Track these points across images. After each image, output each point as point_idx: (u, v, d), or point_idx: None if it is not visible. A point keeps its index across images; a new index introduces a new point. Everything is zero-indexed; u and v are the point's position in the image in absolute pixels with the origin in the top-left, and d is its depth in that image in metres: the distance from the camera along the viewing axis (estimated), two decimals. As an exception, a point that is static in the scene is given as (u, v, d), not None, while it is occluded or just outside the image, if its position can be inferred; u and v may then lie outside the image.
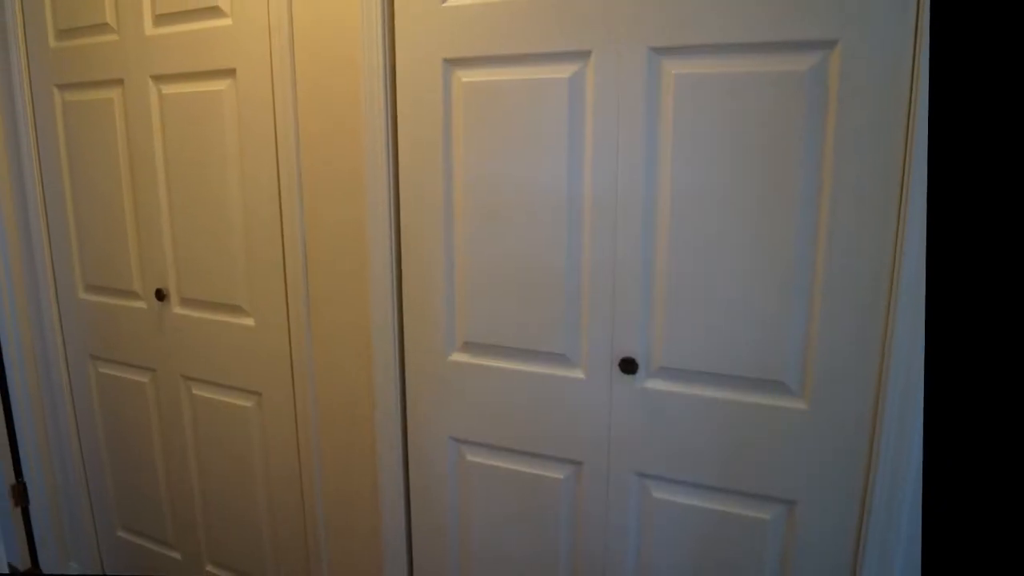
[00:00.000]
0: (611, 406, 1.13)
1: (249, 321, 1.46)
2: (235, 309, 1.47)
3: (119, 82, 1.49)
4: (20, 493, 1.79)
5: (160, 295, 1.55)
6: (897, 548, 0.96)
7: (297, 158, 1.30)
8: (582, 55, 1.04)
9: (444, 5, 1.11)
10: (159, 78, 1.44)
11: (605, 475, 1.16)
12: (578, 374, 1.15)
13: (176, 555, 1.76)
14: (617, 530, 1.17)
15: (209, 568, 1.70)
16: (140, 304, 1.61)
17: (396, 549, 1.38)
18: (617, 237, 1.07)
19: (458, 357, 1.24)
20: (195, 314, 1.54)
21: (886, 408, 0.93)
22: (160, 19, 1.40)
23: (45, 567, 1.85)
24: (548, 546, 1.24)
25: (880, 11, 0.86)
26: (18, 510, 1.80)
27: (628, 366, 1.09)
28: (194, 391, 1.59)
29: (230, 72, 1.34)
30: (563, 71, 1.06)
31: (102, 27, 1.48)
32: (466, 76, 1.13)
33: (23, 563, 1.84)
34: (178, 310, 1.56)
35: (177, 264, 1.53)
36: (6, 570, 1.45)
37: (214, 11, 1.32)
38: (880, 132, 0.89)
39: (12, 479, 1.78)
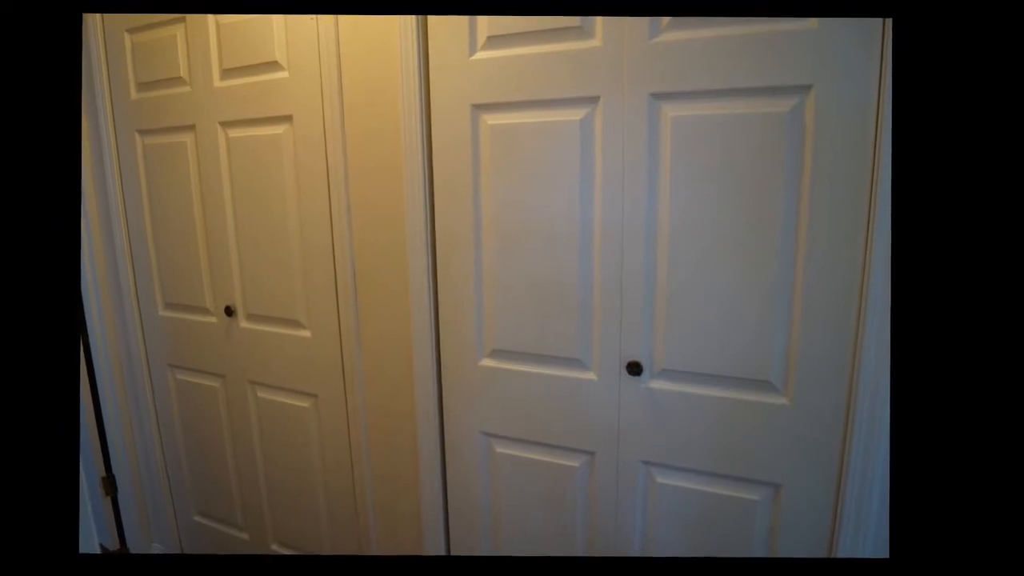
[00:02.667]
0: (620, 404, 1.21)
1: (306, 333, 1.55)
2: (294, 323, 1.56)
3: (191, 127, 1.59)
4: (109, 484, 1.91)
5: (229, 311, 1.65)
6: (869, 524, 1.03)
7: (346, 191, 1.39)
8: (591, 100, 1.11)
9: (472, 58, 1.20)
10: (226, 124, 1.54)
11: (615, 463, 1.24)
12: (591, 376, 1.22)
13: (245, 536, 1.86)
14: (625, 510, 1.25)
15: (274, 547, 1.80)
16: (211, 319, 1.71)
17: (435, 528, 1.47)
18: (624, 257, 1.14)
19: (487, 362, 1.32)
20: (259, 327, 1.63)
21: (857, 403, 1.00)
22: (226, 73, 1.50)
23: (132, 548, 1.95)
24: (566, 525, 1.32)
25: (849, 60, 0.93)
26: (108, 499, 1.92)
27: (634, 368, 1.16)
28: (259, 394, 1.69)
29: (287, 118, 1.44)
30: (575, 114, 1.13)
31: (176, 80, 1.58)
32: (491, 119, 1.21)
33: (113, 544, 1.95)
34: (244, 324, 1.65)
35: (243, 284, 1.62)
36: (98, 551, 1.59)
37: (273, 65, 1.42)
38: (850, 164, 0.95)
39: (103, 472, 1.89)
